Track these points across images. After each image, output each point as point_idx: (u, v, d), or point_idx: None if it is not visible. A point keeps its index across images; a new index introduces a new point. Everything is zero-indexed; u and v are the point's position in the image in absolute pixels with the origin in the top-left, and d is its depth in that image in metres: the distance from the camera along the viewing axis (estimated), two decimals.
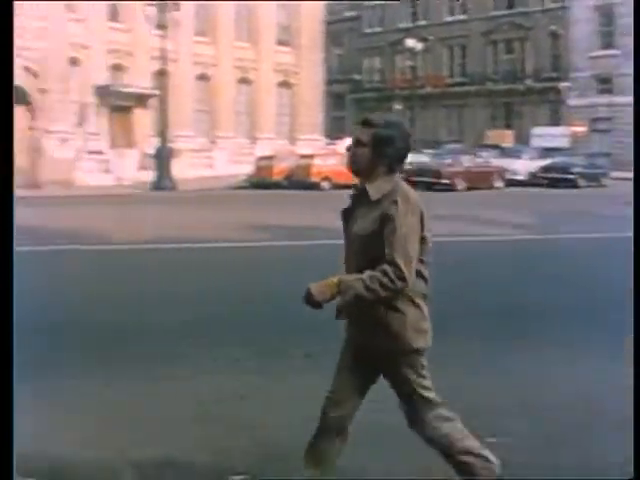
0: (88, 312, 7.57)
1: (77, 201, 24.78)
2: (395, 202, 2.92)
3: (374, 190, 3.00)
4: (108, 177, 34.38)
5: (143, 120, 38.27)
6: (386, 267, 2.85)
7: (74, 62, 34.90)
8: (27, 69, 31.42)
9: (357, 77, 60.61)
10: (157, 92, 35.45)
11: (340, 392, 3.09)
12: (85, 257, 11.99)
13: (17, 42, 22.30)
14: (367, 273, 2.86)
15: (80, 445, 4.00)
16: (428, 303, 3.06)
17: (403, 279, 2.86)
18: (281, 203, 24.77)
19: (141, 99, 38.19)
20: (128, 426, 4.37)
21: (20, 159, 30.65)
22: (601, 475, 3.66)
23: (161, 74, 33.58)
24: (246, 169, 35.96)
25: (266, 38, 45.47)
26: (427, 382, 3.07)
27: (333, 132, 48.38)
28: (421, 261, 3.01)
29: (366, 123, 3.12)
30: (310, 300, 2.90)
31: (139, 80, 37.73)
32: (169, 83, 34.71)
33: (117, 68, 38.46)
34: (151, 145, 34.57)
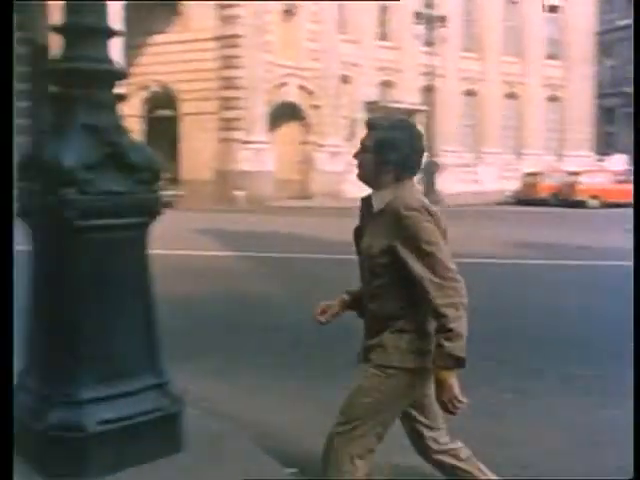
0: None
1: (345, 213, 25.84)
2: (404, 214, 2.58)
3: (378, 200, 2.70)
4: None
5: None
6: (439, 302, 2.53)
7: (345, 80, 36.65)
8: (302, 87, 33.57)
9: (628, 90, 56.62)
10: (424, 107, 36.09)
11: None
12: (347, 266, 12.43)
13: (294, 63, 23.91)
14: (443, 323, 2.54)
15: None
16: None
17: (459, 302, 2.54)
18: (546, 220, 24.00)
19: (409, 114, 39.04)
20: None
21: (293, 171, 32.80)
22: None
23: (428, 90, 34.19)
24: (512, 185, 35.33)
25: (534, 52, 44.41)
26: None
27: (603, 148, 45.72)
28: None
29: (370, 126, 2.78)
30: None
31: (407, 96, 38.60)
32: (436, 99, 35.19)
33: (386, 85, 39.70)
34: None
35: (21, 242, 3.73)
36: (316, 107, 34.34)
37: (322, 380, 5.50)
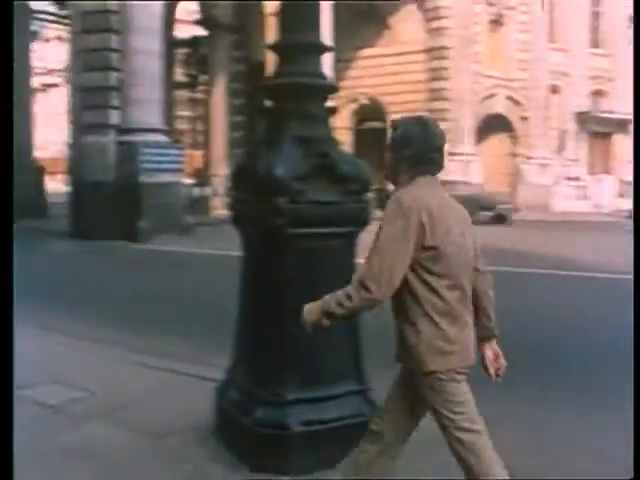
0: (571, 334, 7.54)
1: (553, 226, 24.91)
2: (387, 203, 2.63)
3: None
4: (585, 204, 33.87)
5: (622, 146, 36.80)
6: (354, 277, 2.65)
7: (554, 90, 35.24)
8: (510, 98, 32.76)
9: None
10: None
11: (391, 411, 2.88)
12: (556, 282, 11.95)
13: (502, 74, 23.03)
14: (344, 288, 2.64)
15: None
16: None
17: (366, 289, 2.57)
18: None
19: (621, 124, 36.75)
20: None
21: (501, 183, 32.02)
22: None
23: None
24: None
25: None
26: (459, 417, 2.67)
27: None
28: (430, 272, 2.62)
29: (392, 126, 2.81)
30: (301, 320, 2.75)
31: (620, 105, 36.38)
32: None
33: (597, 94, 37.66)
34: (629, 172, 33.01)
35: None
36: (524, 118, 33.35)
37: None
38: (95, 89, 17.83)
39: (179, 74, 30.36)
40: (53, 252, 16.66)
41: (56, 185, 35.25)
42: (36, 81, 31.90)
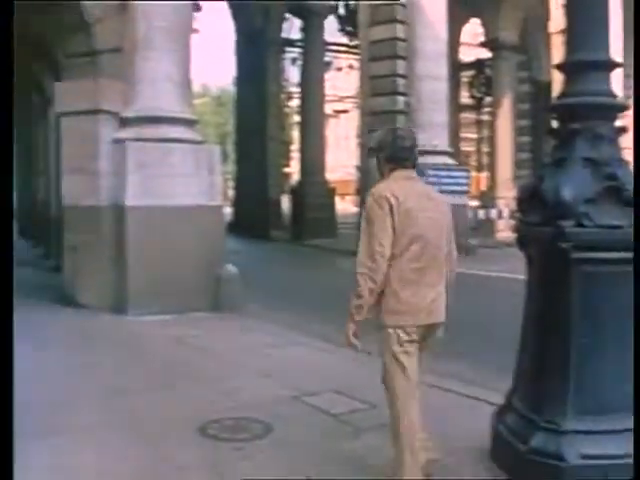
0: None
1: None
2: (367, 198, 3.43)
3: None
4: None
5: None
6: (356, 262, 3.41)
7: None
8: None
9: None
10: None
11: None
12: None
13: None
14: None
15: None
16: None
17: (366, 267, 3.34)
18: None
19: None
20: None
21: None
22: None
23: None
24: None
25: None
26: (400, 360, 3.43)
27: None
28: (394, 246, 3.35)
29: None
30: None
31: None
32: None
33: None
34: None
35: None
36: None
37: None
38: (383, 113, 18.58)
39: (464, 96, 30.54)
40: (339, 269, 17.61)
41: (345, 206, 37.29)
42: (329, 107, 34.10)
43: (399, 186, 3.48)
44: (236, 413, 4.93)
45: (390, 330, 3.45)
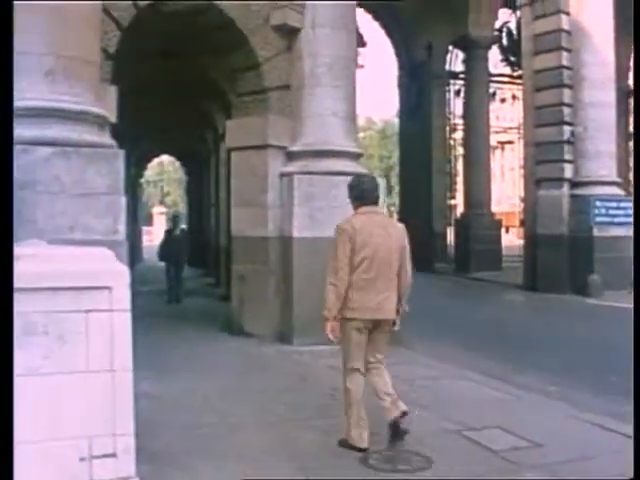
0: None
1: None
2: None
3: None
4: None
5: None
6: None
7: None
8: None
9: None
10: None
11: None
12: None
13: None
14: None
15: None
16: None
17: (333, 285, 4.76)
18: None
19: None
20: None
21: None
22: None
23: None
24: None
25: None
26: (346, 357, 4.92)
27: None
28: (352, 263, 4.77)
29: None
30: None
31: None
32: None
33: None
34: None
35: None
36: None
37: None
38: (548, 144, 18.07)
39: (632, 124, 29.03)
40: (505, 302, 17.19)
41: (510, 238, 36.37)
42: (493, 139, 33.52)
43: (359, 219, 4.87)
44: (396, 445, 4.93)
45: (347, 321, 4.79)
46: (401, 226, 5.08)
